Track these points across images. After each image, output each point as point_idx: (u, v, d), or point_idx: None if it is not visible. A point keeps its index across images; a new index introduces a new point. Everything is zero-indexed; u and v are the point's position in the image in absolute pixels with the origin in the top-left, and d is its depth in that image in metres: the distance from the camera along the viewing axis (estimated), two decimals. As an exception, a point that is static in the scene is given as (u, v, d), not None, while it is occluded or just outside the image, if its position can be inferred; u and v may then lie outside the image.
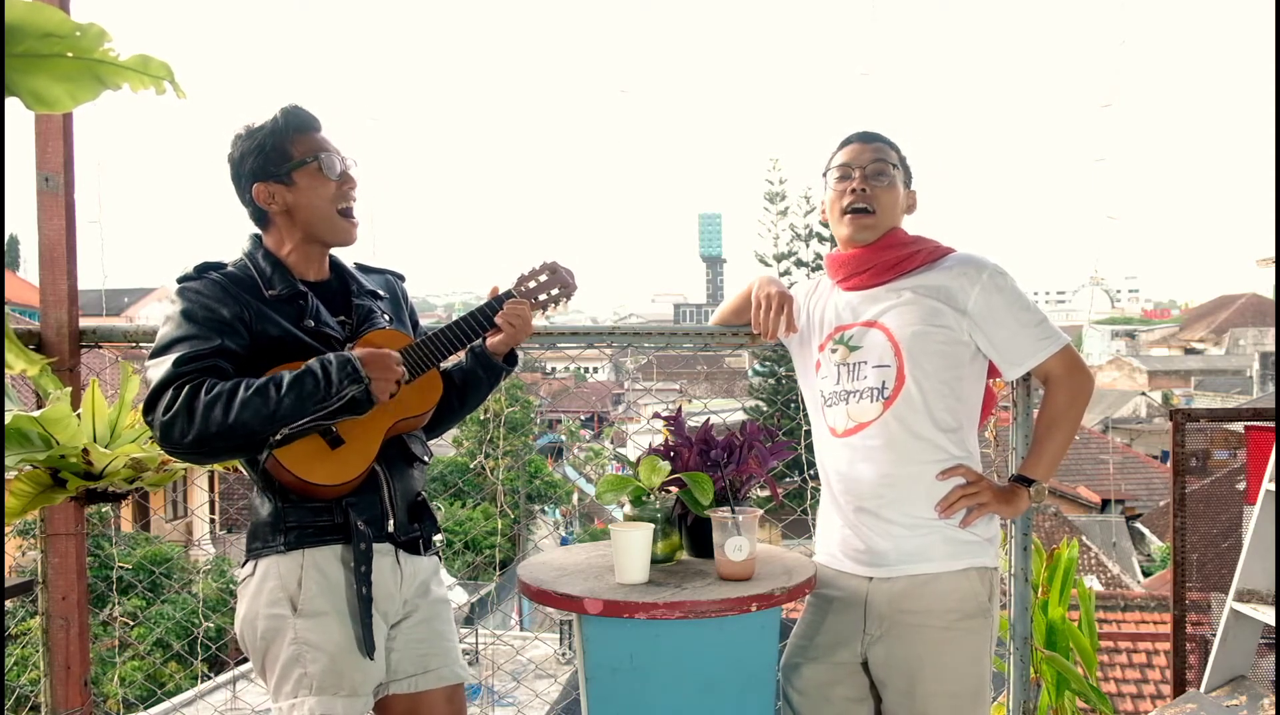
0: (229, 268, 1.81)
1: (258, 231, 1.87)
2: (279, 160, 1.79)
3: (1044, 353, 1.94)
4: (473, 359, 1.97)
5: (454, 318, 1.93)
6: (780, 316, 2.11)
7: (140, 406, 2.12)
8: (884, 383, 1.92)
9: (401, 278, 2.06)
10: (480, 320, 1.91)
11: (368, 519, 1.78)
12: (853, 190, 1.98)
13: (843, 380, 1.98)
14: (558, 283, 1.98)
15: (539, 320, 2.02)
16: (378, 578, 1.78)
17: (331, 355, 1.70)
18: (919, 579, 1.89)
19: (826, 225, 2.11)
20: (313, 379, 1.65)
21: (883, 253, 1.98)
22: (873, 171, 1.98)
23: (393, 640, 1.85)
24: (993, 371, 2.02)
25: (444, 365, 1.90)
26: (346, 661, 1.73)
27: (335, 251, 1.92)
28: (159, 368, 1.67)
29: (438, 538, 1.96)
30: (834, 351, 2.01)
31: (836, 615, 1.97)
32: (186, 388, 1.63)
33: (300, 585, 1.74)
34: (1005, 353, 1.94)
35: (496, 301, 1.94)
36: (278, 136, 1.79)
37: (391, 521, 1.82)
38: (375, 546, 1.78)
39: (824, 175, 2.06)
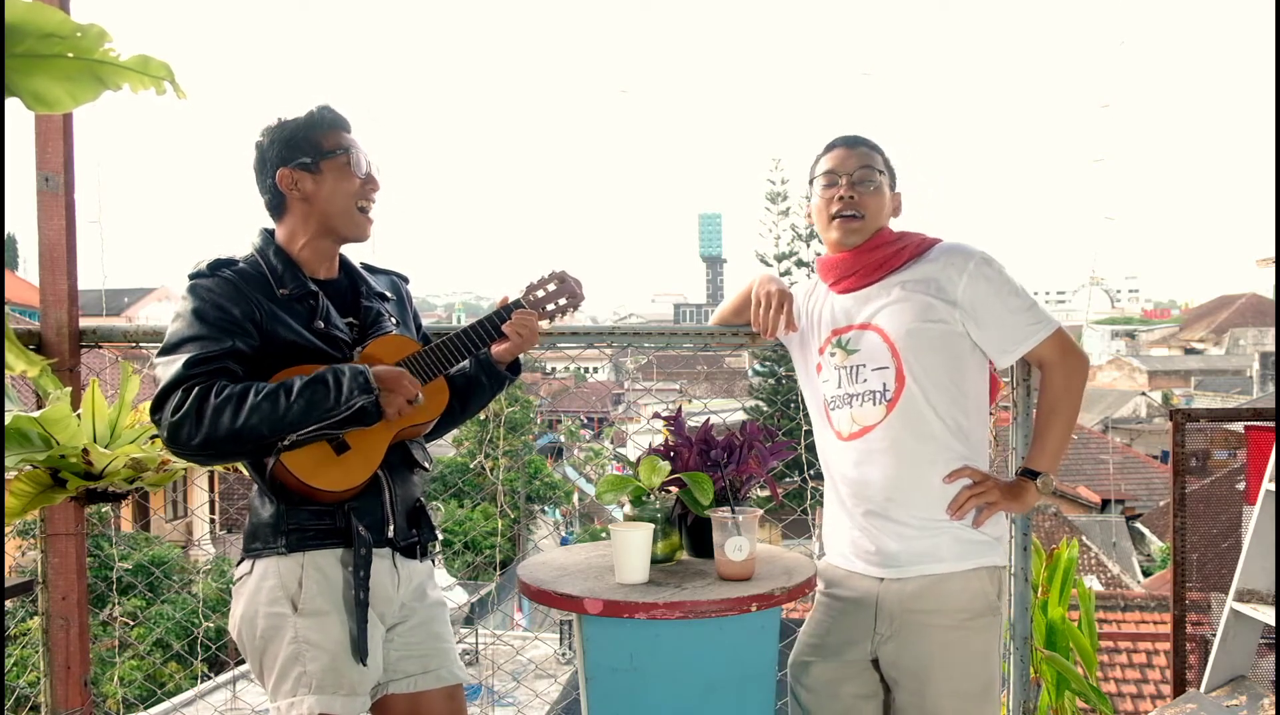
0: (240, 264, 1.79)
1: (269, 226, 1.86)
2: (309, 148, 1.80)
3: (1035, 338, 1.93)
4: (477, 366, 1.97)
5: (461, 324, 1.93)
6: (780, 314, 2.11)
7: (140, 406, 2.13)
8: (884, 385, 1.92)
9: (406, 279, 2.06)
10: (488, 328, 1.91)
11: (368, 524, 1.78)
12: (840, 197, 1.98)
13: (844, 384, 1.98)
14: (566, 293, 1.98)
15: (542, 324, 2.02)
16: (376, 580, 1.78)
17: (345, 366, 1.70)
18: (931, 579, 1.90)
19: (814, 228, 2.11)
20: (323, 387, 1.66)
21: (870, 253, 1.99)
22: (859, 178, 1.99)
23: (390, 641, 1.86)
24: None
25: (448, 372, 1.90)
26: (346, 661, 1.73)
27: (343, 250, 1.92)
28: (169, 367, 1.67)
29: (434, 544, 1.97)
30: (833, 355, 2.01)
31: (848, 615, 1.98)
32: (196, 389, 1.63)
33: (301, 585, 1.74)
34: (996, 340, 1.94)
35: (505, 310, 1.94)
36: (311, 128, 1.81)
37: (391, 527, 1.82)
38: (374, 551, 1.78)
39: (810, 183, 2.06)
